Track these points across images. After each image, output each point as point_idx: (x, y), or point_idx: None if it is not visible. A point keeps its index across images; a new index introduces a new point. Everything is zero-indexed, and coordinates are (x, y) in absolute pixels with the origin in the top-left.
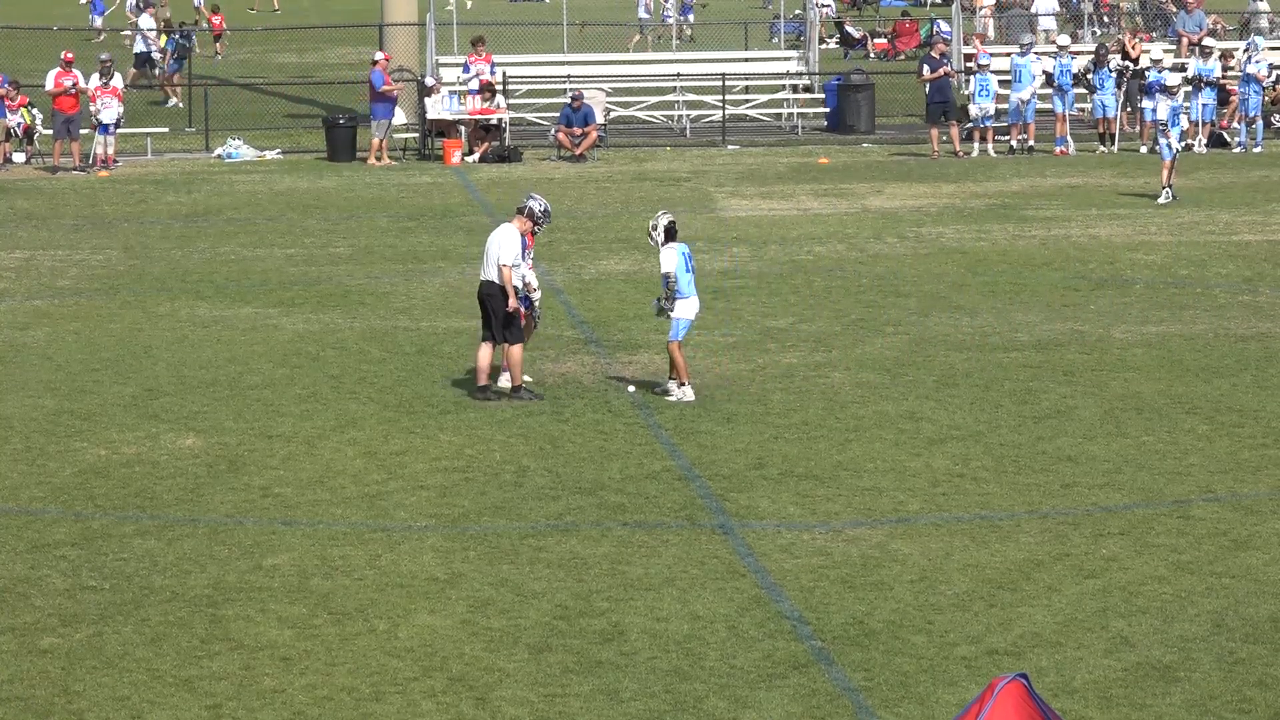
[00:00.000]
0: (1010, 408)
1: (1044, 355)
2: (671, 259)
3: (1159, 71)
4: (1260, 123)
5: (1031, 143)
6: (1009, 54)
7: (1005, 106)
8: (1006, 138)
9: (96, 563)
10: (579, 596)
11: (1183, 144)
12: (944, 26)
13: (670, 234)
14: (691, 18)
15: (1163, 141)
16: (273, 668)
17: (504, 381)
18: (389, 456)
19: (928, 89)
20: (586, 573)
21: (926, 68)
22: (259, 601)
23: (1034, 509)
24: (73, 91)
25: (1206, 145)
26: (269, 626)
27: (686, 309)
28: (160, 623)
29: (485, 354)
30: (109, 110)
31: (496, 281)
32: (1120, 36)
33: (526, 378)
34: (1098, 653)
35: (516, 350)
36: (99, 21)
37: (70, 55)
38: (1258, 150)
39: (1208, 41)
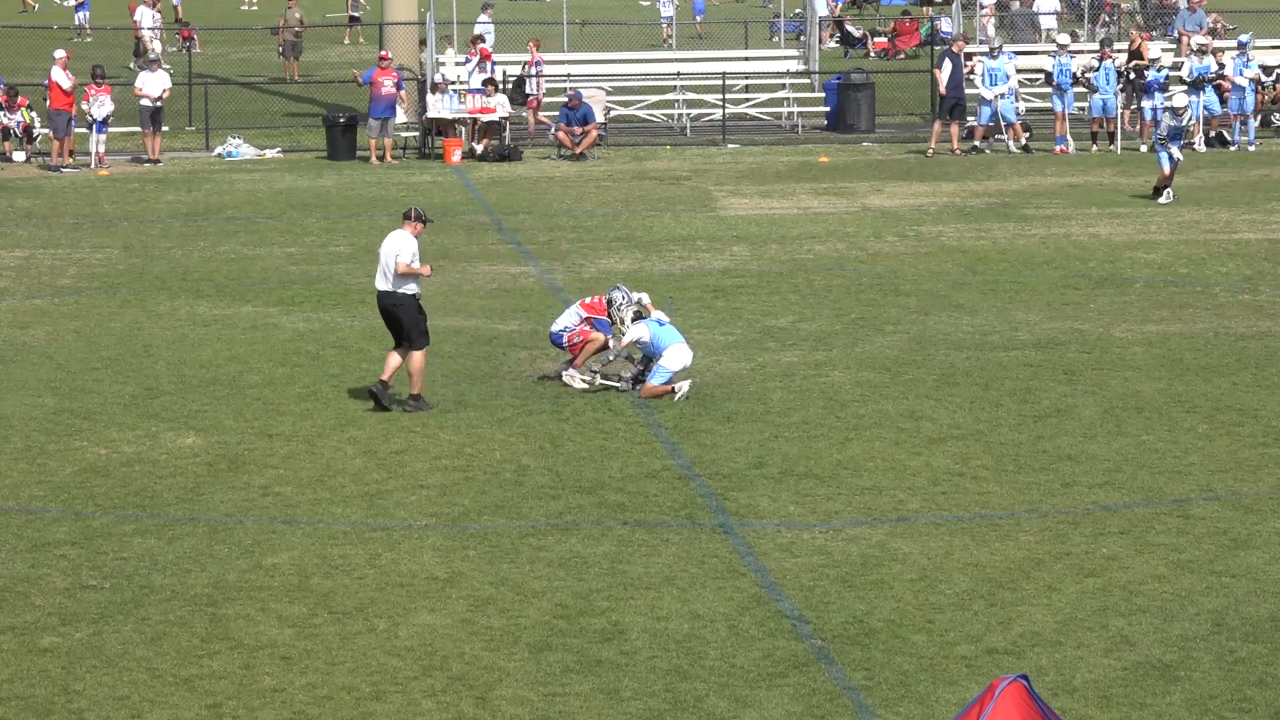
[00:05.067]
0: (1010, 407)
1: (1044, 354)
2: (640, 329)
3: (1159, 71)
4: (1251, 120)
5: (1024, 141)
6: (987, 52)
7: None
8: (1004, 137)
9: (96, 562)
10: (579, 595)
11: (1183, 142)
12: (944, 26)
13: (639, 316)
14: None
15: (1162, 152)
16: (273, 667)
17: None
18: (389, 455)
19: (945, 83)
20: (586, 572)
21: (948, 61)
22: (259, 600)
23: (1034, 508)
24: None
25: (1207, 145)
26: (269, 625)
27: (674, 358)
28: (160, 622)
29: (394, 358)
30: (101, 108)
31: (394, 290)
32: (1130, 44)
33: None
34: (1098, 652)
35: (419, 356)
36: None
37: (67, 54)
38: (1251, 148)
39: (1204, 41)
